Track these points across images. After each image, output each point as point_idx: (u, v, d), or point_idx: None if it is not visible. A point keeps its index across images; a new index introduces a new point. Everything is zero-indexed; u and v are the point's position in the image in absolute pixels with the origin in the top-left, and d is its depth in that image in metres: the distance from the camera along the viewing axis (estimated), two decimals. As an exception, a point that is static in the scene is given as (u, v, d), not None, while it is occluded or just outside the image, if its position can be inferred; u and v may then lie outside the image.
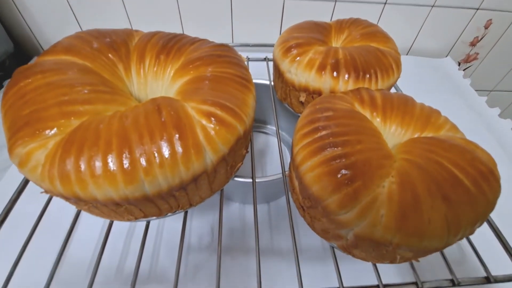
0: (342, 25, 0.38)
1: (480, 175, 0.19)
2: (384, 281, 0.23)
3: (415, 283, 0.23)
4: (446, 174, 0.19)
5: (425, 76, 0.68)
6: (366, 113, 0.25)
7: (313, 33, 0.36)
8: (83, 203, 0.21)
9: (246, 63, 0.49)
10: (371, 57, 0.31)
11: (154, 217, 0.25)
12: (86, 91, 0.22)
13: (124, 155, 0.19)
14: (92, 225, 0.33)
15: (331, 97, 0.26)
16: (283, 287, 0.31)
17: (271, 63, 0.50)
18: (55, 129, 0.20)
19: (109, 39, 0.28)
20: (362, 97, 0.26)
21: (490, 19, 0.67)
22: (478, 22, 0.68)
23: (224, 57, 0.28)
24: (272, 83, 0.43)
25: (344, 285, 0.23)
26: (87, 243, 0.32)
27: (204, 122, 0.21)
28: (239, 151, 0.26)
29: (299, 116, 0.38)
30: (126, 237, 0.33)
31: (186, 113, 0.21)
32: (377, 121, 0.25)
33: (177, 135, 0.20)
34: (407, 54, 0.76)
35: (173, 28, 0.66)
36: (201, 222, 0.36)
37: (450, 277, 0.23)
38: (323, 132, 0.22)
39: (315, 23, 0.38)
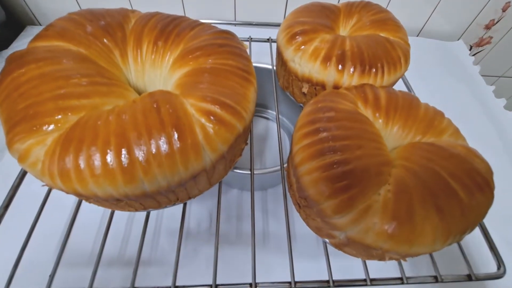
0: (352, 9, 0.36)
1: (475, 186, 0.19)
2: (372, 275, 0.24)
3: (401, 279, 0.24)
4: (442, 184, 0.19)
5: (434, 60, 0.66)
6: (369, 113, 0.25)
7: (320, 18, 0.34)
8: (84, 197, 0.21)
9: (248, 43, 0.47)
10: (379, 49, 0.30)
11: (154, 209, 0.26)
12: (82, 83, 0.21)
13: (123, 155, 0.19)
14: (94, 209, 0.34)
15: (334, 95, 0.25)
16: (276, 275, 0.32)
17: (274, 45, 0.48)
18: (53, 125, 0.19)
19: (103, 22, 0.27)
20: (366, 96, 0.25)
21: (509, 2, 0.63)
22: (496, 4, 0.63)
23: (225, 46, 0.26)
24: (275, 68, 0.41)
25: (334, 278, 0.24)
26: (89, 226, 0.34)
27: (203, 120, 0.21)
28: (238, 146, 0.26)
29: (300, 106, 0.37)
30: (127, 221, 0.35)
31: (185, 111, 0.21)
32: (379, 122, 0.24)
33: (176, 135, 0.20)
34: (417, 36, 0.73)
35: (174, 5, 0.62)
36: (200, 207, 0.37)
37: (434, 273, 0.25)
38: (324, 134, 0.22)
39: (323, 5, 0.36)
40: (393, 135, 0.24)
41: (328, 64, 0.30)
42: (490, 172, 0.21)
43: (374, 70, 0.29)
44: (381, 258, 0.22)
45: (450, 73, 0.63)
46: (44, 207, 0.27)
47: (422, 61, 0.64)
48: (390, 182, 0.20)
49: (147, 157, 0.19)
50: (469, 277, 0.24)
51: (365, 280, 0.24)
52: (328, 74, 0.30)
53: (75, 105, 0.20)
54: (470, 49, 0.76)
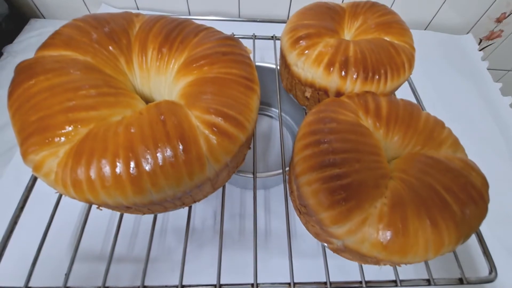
0: (357, 10, 0.36)
1: (470, 200, 0.20)
2: (369, 276, 0.26)
3: (395, 281, 0.26)
4: (437, 198, 0.20)
5: (441, 54, 0.65)
6: (370, 123, 0.25)
7: (324, 21, 0.33)
8: (95, 204, 0.23)
9: (252, 41, 0.47)
10: (383, 54, 0.30)
11: (160, 212, 0.27)
12: (90, 95, 0.22)
13: (131, 168, 0.20)
14: (104, 210, 0.35)
15: (336, 104, 0.25)
16: (277, 274, 0.34)
17: (278, 42, 0.47)
18: (64, 137, 0.20)
19: (108, 29, 0.27)
20: (368, 105, 0.25)
21: (523, -5, 0.61)
22: (509, -3, 0.61)
23: (229, 54, 0.27)
24: (278, 68, 0.41)
25: (332, 278, 0.25)
26: (99, 226, 0.35)
27: (207, 132, 0.22)
28: (241, 153, 0.27)
29: (303, 108, 0.38)
30: (135, 221, 0.36)
31: (190, 123, 0.22)
32: (379, 132, 0.25)
33: (181, 147, 0.20)
34: (425, 29, 0.71)
35: (179, 1, 0.61)
36: (204, 206, 0.39)
37: (427, 276, 0.26)
38: (324, 146, 0.22)
39: (328, 6, 0.36)
40: (393, 145, 0.25)
41: (331, 70, 0.30)
42: (485, 185, 0.21)
43: (377, 76, 0.29)
44: (376, 263, 0.23)
45: (456, 68, 0.62)
46: (57, 207, 0.29)
47: (429, 55, 0.63)
48: (387, 195, 0.20)
49: (155, 169, 0.20)
50: (460, 281, 0.26)
51: (360, 282, 0.25)
52: (331, 80, 0.30)
53: (84, 117, 0.21)
54: (479, 43, 0.74)
